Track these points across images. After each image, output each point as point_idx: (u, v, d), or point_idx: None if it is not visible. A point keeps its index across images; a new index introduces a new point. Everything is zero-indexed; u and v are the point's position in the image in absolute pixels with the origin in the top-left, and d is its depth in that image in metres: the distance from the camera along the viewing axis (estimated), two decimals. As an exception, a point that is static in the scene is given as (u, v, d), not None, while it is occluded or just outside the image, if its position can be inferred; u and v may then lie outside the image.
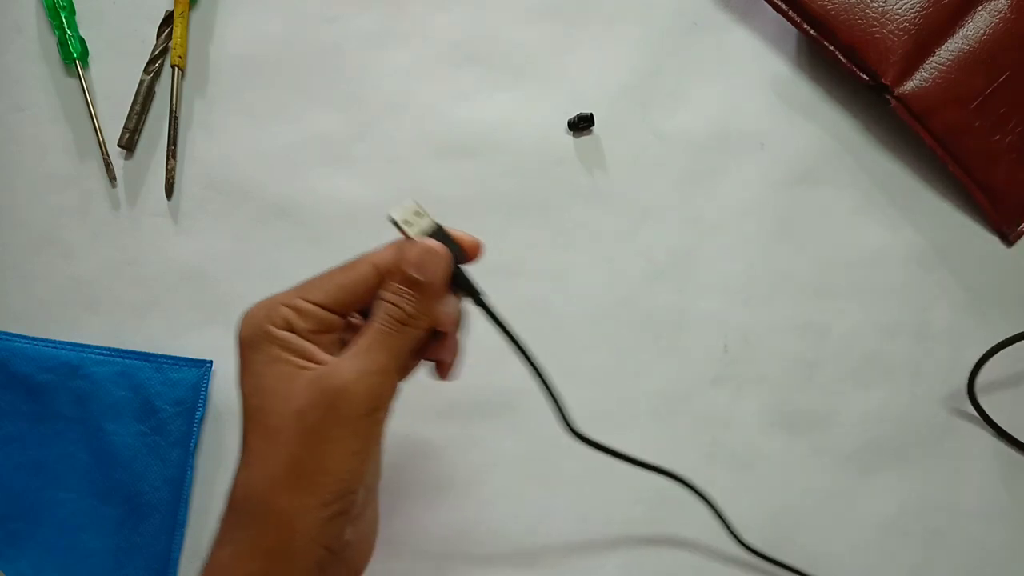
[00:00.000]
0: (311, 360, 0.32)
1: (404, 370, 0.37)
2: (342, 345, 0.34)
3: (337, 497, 0.32)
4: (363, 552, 0.36)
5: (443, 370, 0.38)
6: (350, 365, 0.32)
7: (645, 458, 0.44)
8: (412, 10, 0.56)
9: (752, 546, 0.49)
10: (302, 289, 0.34)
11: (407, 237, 0.35)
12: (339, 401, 0.31)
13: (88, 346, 0.50)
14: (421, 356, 0.37)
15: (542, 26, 0.56)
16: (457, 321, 0.37)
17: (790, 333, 0.53)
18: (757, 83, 0.56)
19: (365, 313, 0.35)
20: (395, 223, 0.35)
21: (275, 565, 0.31)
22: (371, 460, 0.34)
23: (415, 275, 0.34)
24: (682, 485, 0.47)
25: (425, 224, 0.35)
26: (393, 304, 0.33)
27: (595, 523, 0.50)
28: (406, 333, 0.33)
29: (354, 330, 0.35)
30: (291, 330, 0.33)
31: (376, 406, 0.33)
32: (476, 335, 0.53)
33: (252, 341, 0.33)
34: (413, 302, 0.33)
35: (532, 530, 0.50)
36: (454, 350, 0.37)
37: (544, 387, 0.38)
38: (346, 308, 0.34)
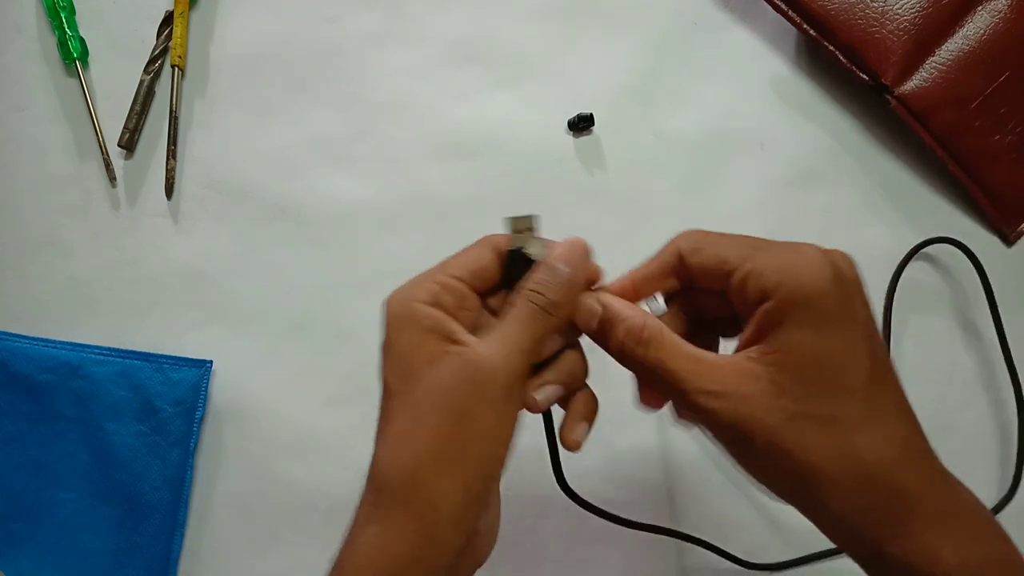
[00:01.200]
0: (455, 340, 0.32)
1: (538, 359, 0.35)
2: (476, 329, 0.34)
3: (480, 481, 0.32)
4: (488, 543, 0.36)
5: (572, 430, 0.37)
6: (495, 347, 0.32)
7: (633, 518, 0.44)
8: (412, 10, 0.56)
9: (757, 563, 0.48)
10: (443, 266, 0.35)
11: (513, 249, 0.35)
12: (484, 381, 0.32)
13: (88, 346, 0.50)
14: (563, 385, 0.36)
15: (542, 26, 0.56)
16: (578, 377, 0.37)
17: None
18: (757, 83, 0.56)
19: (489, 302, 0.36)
20: (511, 226, 0.36)
21: (422, 549, 0.31)
22: (511, 443, 0.33)
23: (560, 266, 0.34)
24: (678, 537, 0.47)
25: (536, 248, 0.35)
26: (536, 291, 0.34)
27: (596, 522, 0.50)
28: (547, 320, 0.33)
29: (486, 317, 0.35)
30: (437, 305, 0.33)
31: (518, 387, 0.33)
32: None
33: (399, 319, 0.33)
34: (555, 290, 0.34)
35: (533, 530, 0.50)
36: (590, 403, 0.37)
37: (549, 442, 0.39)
38: (480, 286, 0.35)
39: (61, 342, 0.51)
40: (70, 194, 0.54)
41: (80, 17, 0.56)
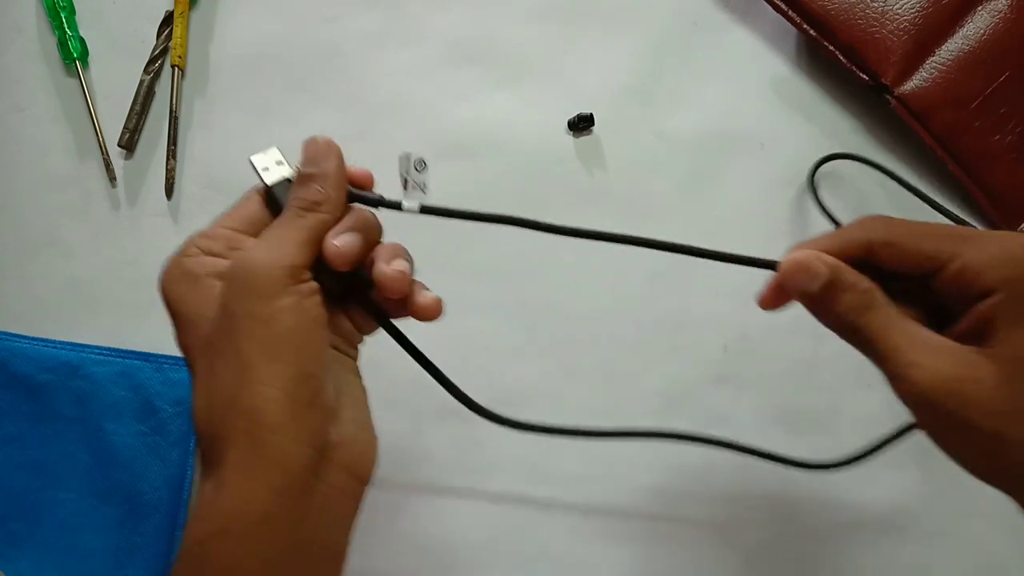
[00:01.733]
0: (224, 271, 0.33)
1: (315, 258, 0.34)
2: None
3: (298, 382, 0.30)
4: (360, 455, 0.34)
5: (410, 305, 0.36)
6: (256, 245, 0.33)
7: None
8: (412, 10, 0.56)
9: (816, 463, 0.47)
10: (210, 225, 0.35)
11: (264, 184, 0.35)
12: (251, 277, 0.31)
13: (88, 346, 0.50)
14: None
15: (542, 26, 0.56)
16: (372, 226, 0.36)
17: (790, 333, 0.53)
18: (757, 83, 0.56)
19: None
20: (254, 167, 0.35)
21: (261, 473, 0.30)
22: (320, 341, 0.32)
23: (307, 169, 0.34)
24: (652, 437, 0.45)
25: (286, 171, 0.35)
26: (295, 197, 0.34)
27: (596, 522, 0.50)
28: (310, 218, 0.33)
29: None
30: (209, 253, 0.33)
31: (292, 276, 0.31)
32: (475, 335, 0.53)
33: (167, 280, 0.33)
34: (311, 190, 0.33)
35: (533, 529, 0.50)
36: (395, 269, 0.35)
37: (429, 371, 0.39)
38: (256, 231, 0.34)
39: (61, 342, 0.50)
40: (70, 194, 0.54)
41: (80, 17, 0.56)
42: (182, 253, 0.34)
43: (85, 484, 0.49)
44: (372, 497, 0.50)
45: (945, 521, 0.51)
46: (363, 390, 0.37)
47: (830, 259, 0.33)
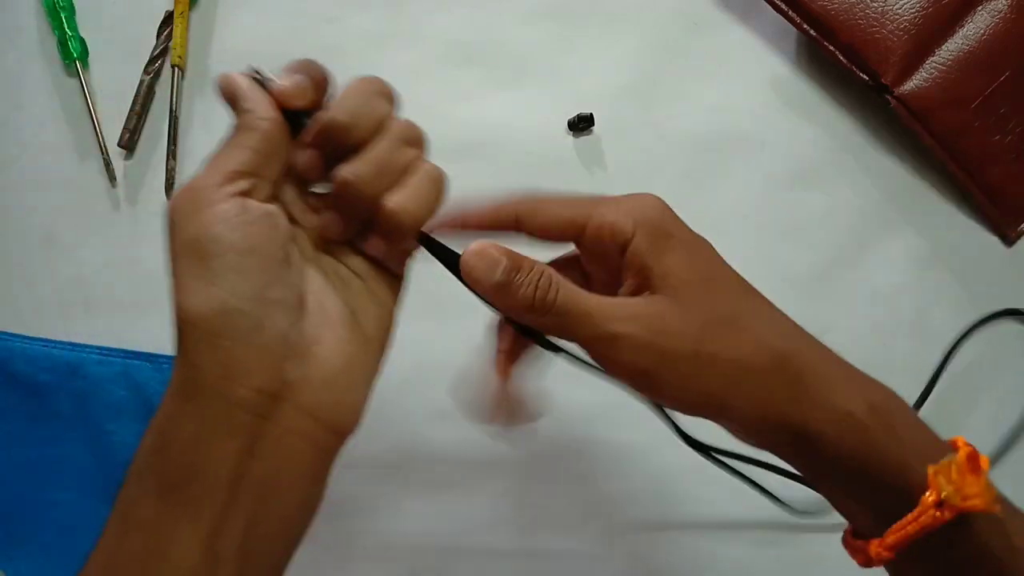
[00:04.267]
0: None
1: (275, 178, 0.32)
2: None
3: (223, 322, 0.28)
4: (333, 403, 0.31)
5: (385, 239, 0.33)
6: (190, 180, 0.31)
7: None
8: (412, 10, 0.56)
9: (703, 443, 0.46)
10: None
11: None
12: (177, 207, 0.30)
13: (88, 346, 0.50)
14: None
15: (542, 26, 0.56)
16: (314, 67, 0.34)
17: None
18: (757, 83, 0.56)
19: None
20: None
21: (191, 412, 0.28)
22: (257, 273, 0.29)
23: (235, 105, 0.33)
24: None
25: None
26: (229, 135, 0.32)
27: (597, 522, 0.50)
28: (244, 134, 0.32)
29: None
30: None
31: (216, 197, 0.29)
32: (475, 335, 0.53)
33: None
34: (239, 112, 0.32)
35: (534, 529, 0.50)
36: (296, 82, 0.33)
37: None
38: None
39: (61, 342, 0.50)
40: (70, 194, 0.54)
41: (80, 17, 0.56)
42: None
43: (85, 484, 0.49)
44: (372, 497, 0.50)
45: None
46: (380, 321, 0.33)
47: (500, 246, 0.33)
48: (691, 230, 0.35)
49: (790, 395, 0.32)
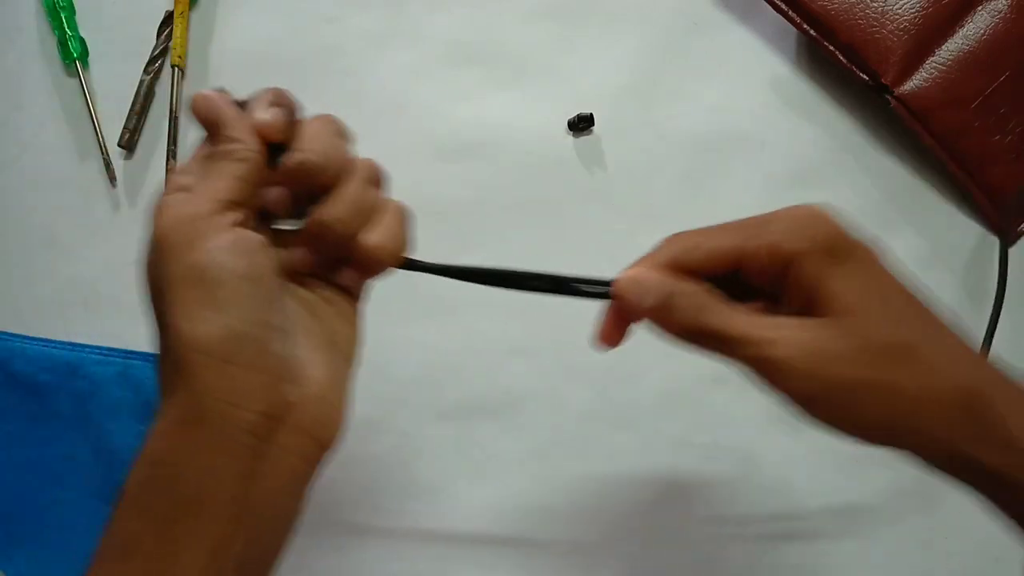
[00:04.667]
0: None
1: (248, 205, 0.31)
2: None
3: (230, 347, 0.29)
4: (322, 418, 0.32)
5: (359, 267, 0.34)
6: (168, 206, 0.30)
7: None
8: (412, 10, 0.56)
9: None
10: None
11: None
12: (166, 237, 0.30)
13: (88, 346, 0.50)
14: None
15: (542, 26, 0.56)
16: (336, 144, 0.33)
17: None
18: (757, 83, 0.56)
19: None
20: None
21: (196, 437, 0.29)
22: (253, 298, 0.30)
23: (218, 130, 0.32)
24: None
25: None
26: (203, 155, 0.32)
27: (597, 522, 0.50)
28: (233, 164, 0.31)
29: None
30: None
31: (204, 227, 0.29)
32: (475, 335, 0.53)
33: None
34: (222, 139, 0.31)
35: (533, 530, 0.50)
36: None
37: None
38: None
39: (61, 342, 0.50)
40: (70, 194, 0.54)
41: (80, 17, 0.56)
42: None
43: (85, 484, 0.49)
44: (372, 496, 0.50)
45: (945, 520, 0.51)
46: (350, 340, 0.35)
47: (655, 271, 0.34)
48: (864, 243, 0.33)
49: (976, 434, 0.30)
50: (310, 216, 0.32)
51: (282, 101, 0.33)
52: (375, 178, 0.34)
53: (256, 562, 0.31)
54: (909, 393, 0.30)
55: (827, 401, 0.31)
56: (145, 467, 0.30)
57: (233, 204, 0.31)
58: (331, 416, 0.32)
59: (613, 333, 0.37)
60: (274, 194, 0.32)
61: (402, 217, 0.34)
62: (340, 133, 0.34)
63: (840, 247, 0.32)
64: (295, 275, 0.34)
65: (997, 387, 0.31)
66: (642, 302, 0.33)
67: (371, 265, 0.33)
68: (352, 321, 0.35)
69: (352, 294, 0.35)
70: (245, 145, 0.31)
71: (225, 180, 0.31)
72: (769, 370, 0.31)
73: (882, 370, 0.30)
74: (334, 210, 0.32)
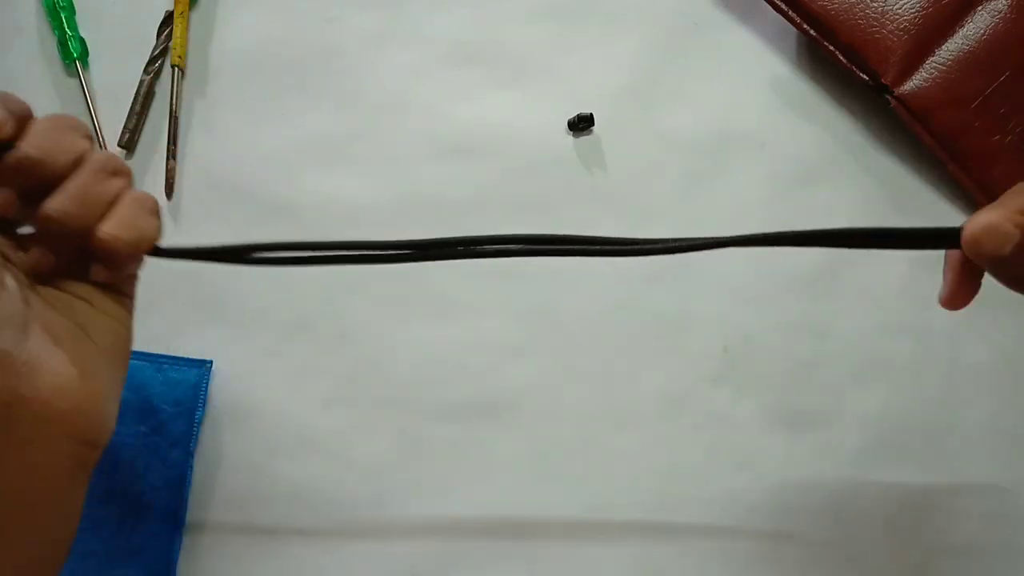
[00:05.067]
0: None
1: None
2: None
3: None
4: (73, 411, 0.32)
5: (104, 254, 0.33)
6: None
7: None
8: (412, 10, 0.56)
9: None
10: None
11: None
12: None
13: (88, 346, 0.50)
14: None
15: (542, 26, 0.56)
16: (61, 138, 0.32)
17: (790, 333, 0.53)
18: (757, 83, 0.56)
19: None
20: None
21: None
22: None
23: None
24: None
25: None
26: None
27: (597, 522, 0.50)
28: None
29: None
30: None
31: None
32: (475, 335, 0.53)
33: None
34: None
35: (534, 530, 0.50)
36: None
37: None
38: None
39: (61, 342, 0.50)
40: (70, 194, 0.54)
41: (80, 17, 0.56)
42: None
43: (85, 484, 0.49)
44: (373, 497, 0.50)
45: (945, 521, 0.51)
46: (115, 335, 0.35)
47: (1014, 218, 0.33)
48: None
49: None
50: (38, 211, 0.31)
51: (7, 103, 0.31)
52: (115, 169, 0.33)
53: (31, 568, 0.31)
54: None
55: None
56: None
57: None
58: (81, 409, 0.32)
59: (960, 292, 0.36)
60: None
61: (141, 205, 0.33)
62: (73, 128, 0.33)
63: None
64: (41, 276, 0.33)
65: None
66: (999, 251, 0.33)
67: (110, 256, 0.33)
68: (118, 315, 0.35)
69: (118, 290, 0.35)
70: None
71: None
72: None
73: None
74: (57, 202, 0.31)
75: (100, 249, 0.32)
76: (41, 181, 0.31)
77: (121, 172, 0.33)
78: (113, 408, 0.34)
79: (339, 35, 0.56)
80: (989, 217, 0.33)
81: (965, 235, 0.34)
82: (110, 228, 0.32)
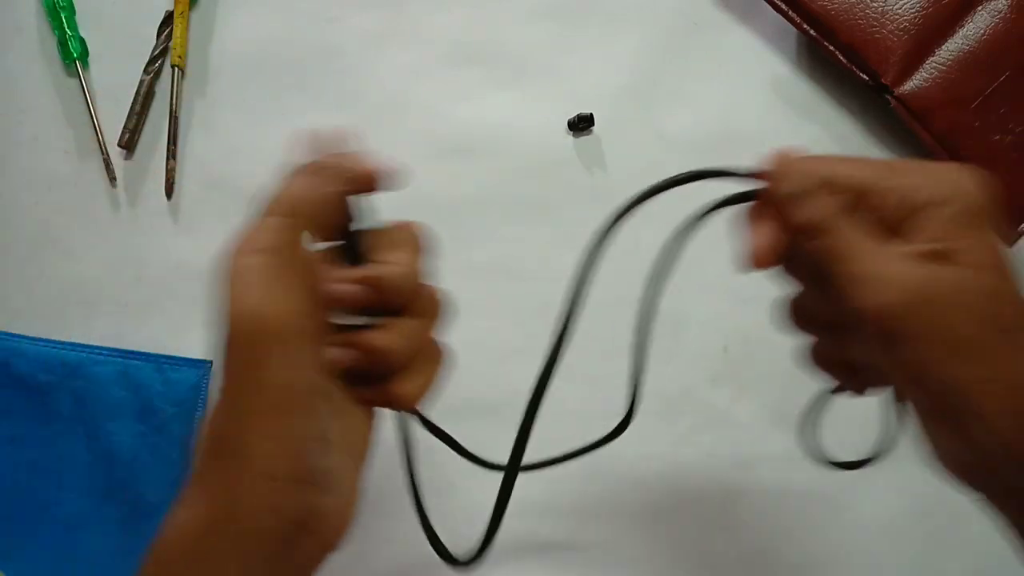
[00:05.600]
0: None
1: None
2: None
3: (281, 457, 0.28)
4: (336, 526, 0.32)
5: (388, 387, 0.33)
6: (261, 288, 0.29)
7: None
8: (412, 10, 0.56)
9: None
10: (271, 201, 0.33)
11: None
12: (248, 333, 0.28)
13: (88, 346, 0.50)
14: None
15: (542, 26, 0.56)
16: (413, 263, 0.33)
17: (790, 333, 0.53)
18: (757, 83, 0.56)
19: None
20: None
21: (223, 514, 0.29)
22: (311, 415, 0.29)
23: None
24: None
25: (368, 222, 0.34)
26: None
27: (597, 522, 0.50)
28: (290, 222, 0.30)
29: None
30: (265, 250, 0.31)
31: (292, 335, 0.28)
32: (476, 336, 0.53)
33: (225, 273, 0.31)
34: (284, 179, 0.30)
35: (533, 530, 0.50)
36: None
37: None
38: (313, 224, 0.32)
39: (61, 342, 0.50)
40: (70, 194, 0.54)
41: (80, 17, 0.56)
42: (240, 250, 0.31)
43: (85, 484, 0.49)
44: (372, 496, 0.50)
45: (944, 521, 0.51)
46: (367, 444, 0.34)
47: (823, 164, 0.33)
48: (995, 225, 0.32)
49: None
50: (366, 335, 0.31)
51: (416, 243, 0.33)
52: (438, 311, 0.34)
53: None
54: (1003, 375, 0.29)
55: (911, 334, 0.29)
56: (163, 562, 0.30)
57: (316, 293, 0.30)
58: (345, 523, 0.32)
59: (766, 247, 0.34)
60: (347, 291, 0.31)
61: (440, 367, 0.34)
62: (425, 251, 0.34)
63: (984, 211, 0.31)
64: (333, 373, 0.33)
65: None
66: (804, 184, 0.32)
67: (391, 405, 0.33)
68: (371, 425, 0.34)
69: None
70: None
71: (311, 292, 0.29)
72: (872, 294, 0.30)
73: (985, 339, 0.29)
74: (393, 341, 0.31)
75: (388, 399, 0.32)
76: (383, 303, 0.31)
77: (442, 314, 0.34)
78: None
79: (339, 35, 0.56)
80: (789, 150, 0.33)
81: (774, 166, 0.33)
82: (408, 389, 0.32)
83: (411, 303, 0.32)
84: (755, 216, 0.35)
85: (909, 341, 0.30)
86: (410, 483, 0.37)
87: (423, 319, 0.33)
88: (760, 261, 0.34)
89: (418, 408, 0.34)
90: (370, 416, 0.34)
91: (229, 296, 0.29)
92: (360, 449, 0.34)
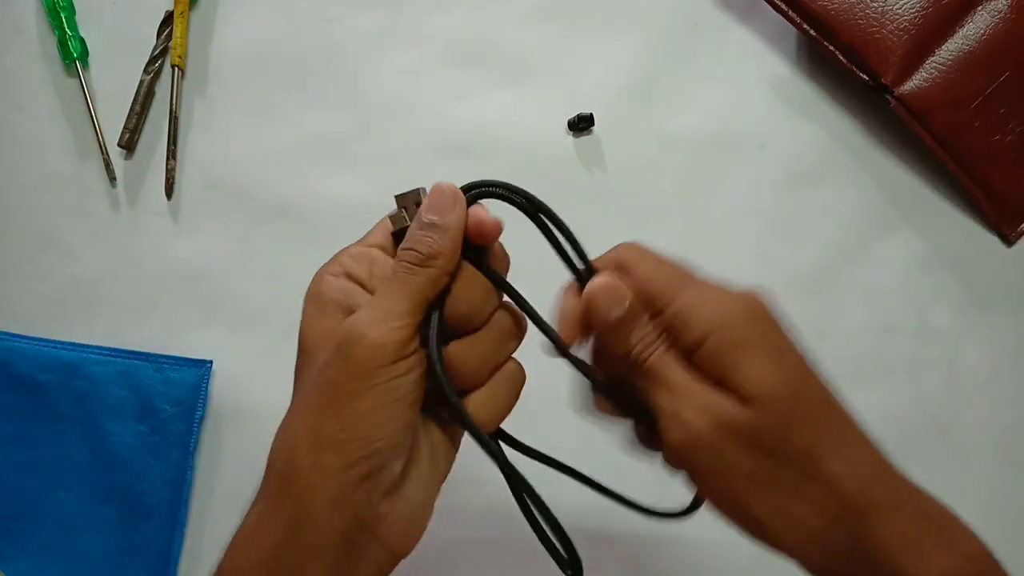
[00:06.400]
0: (354, 311, 0.32)
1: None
2: None
3: (361, 458, 0.30)
4: (403, 533, 0.33)
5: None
6: (365, 313, 0.31)
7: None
8: (412, 10, 0.56)
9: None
10: (362, 239, 0.35)
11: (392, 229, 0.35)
12: (353, 351, 0.30)
13: (88, 346, 0.50)
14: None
15: (542, 26, 0.56)
16: (489, 298, 0.34)
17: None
18: (757, 83, 0.56)
19: None
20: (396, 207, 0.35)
21: (297, 528, 0.30)
22: (400, 421, 0.31)
23: (426, 217, 0.32)
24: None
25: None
26: (407, 248, 0.32)
27: (597, 522, 0.50)
28: (421, 274, 0.31)
29: None
30: (349, 275, 0.33)
31: (393, 356, 0.30)
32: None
33: (309, 296, 0.33)
34: (426, 242, 0.32)
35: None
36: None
37: None
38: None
39: (61, 342, 0.50)
40: (70, 194, 0.54)
41: (80, 17, 0.56)
42: (327, 268, 0.33)
43: (85, 484, 0.49)
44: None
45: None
46: (448, 460, 0.35)
47: (628, 290, 0.33)
48: (786, 336, 0.33)
49: (854, 555, 0.30)
50: (448, 351, 0.33)
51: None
52: (514, 332, 0.35)
53: None
54: (792, 501, 0.31)
55: (711, 477, 0.32)
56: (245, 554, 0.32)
57: (417, 317, 0.31)
58: (413, 532, 0.33)
59: (574, 329, 0.36)
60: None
61: (515, 384, 0.35)
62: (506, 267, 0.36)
63: (754, 337, 0.32)
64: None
65: (894, 504, 0.31)
66: (607, 313, 0.33)
67: (462, 425, 0.34)
68: (456, 442, 0.36)
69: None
70: (446, 259, 0.32)
71: (415, 296, 0.31)
72: (672, 425, 0.31)
73: (774, 469, 0.31)
74: (466, 355, 0.33)
75: (458, 417, 0.33)
76: (458, 323, 0.33)
77: (518, 335, 0.35)
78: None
79: (339, 35, 0.56)
80: (606, 276, 0.34)
81: (590, 287, 0.34)
82: (478, 406, 0.34)
83: (487, 322, 0.34)
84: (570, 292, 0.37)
85: (702, 479, 0.32)
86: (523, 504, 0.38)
87: (501, 338, 0.34)
88: (569, 339, 0.36)
89: (496, 428, 0.35)
90: (454, 434, 0.35)
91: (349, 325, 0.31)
92: (441, 464, 0.35)
